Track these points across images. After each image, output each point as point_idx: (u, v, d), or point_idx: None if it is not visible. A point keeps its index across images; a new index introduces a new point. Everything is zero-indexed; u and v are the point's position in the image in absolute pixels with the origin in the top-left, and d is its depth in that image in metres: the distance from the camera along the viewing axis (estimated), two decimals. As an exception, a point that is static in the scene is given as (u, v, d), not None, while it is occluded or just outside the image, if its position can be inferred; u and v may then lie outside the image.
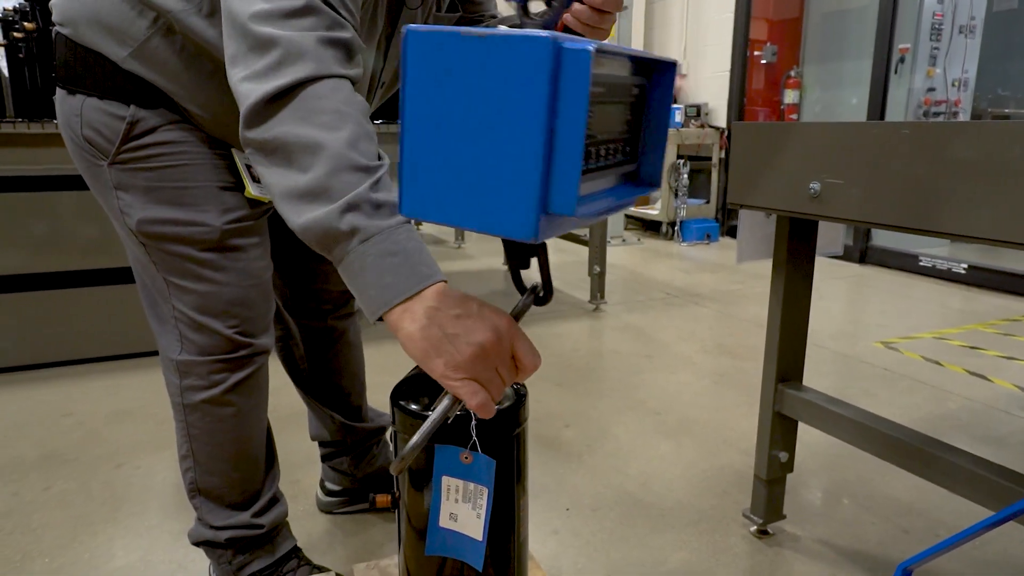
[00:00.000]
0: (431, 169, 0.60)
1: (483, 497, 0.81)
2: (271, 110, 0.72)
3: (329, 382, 1.57)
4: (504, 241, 0.71)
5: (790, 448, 1.56)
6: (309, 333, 1.52)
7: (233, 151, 1.12)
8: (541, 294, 0.79)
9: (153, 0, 0.98)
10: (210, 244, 1.10)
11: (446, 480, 0.82)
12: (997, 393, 2.54)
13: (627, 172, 0.74)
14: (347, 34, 0.78)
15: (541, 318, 3.46)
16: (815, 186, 1.22)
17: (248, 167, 1.13)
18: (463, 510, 0.82)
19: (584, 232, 3.72)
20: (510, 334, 0.70)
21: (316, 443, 1.68)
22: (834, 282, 4.38)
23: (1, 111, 4.13)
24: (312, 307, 1.49)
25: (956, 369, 2.78)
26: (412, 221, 0.71)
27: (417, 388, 0.89)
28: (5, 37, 2.95)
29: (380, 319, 0.71)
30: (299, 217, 0.71)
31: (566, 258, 4.80)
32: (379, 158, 0.75)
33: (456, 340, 0.67)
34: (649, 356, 2.93)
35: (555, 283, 4.28)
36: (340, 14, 0.79)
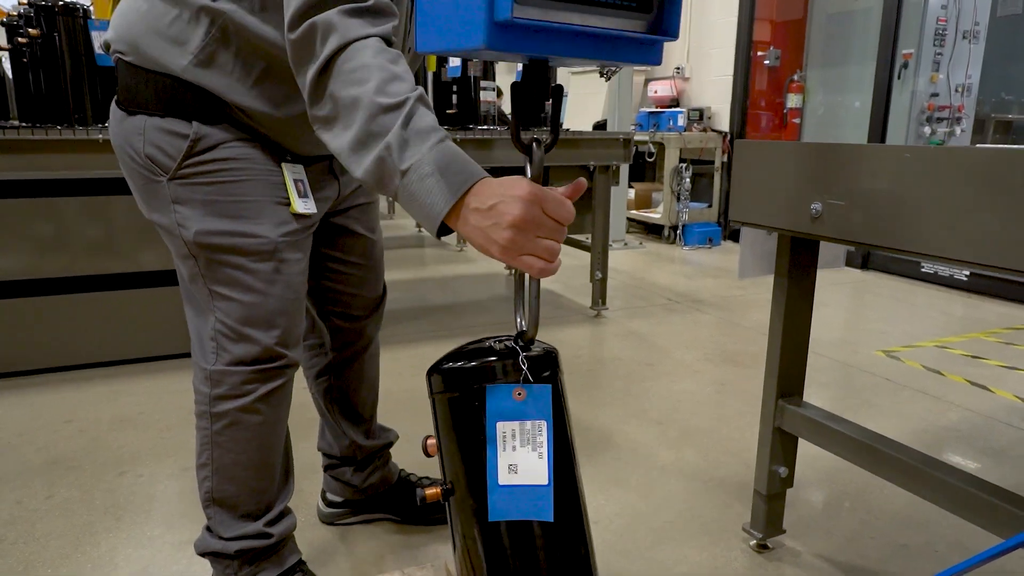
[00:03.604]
0: (431, 13, 0.76)
1: (542, 433, 0.82)
2: (321, 85, 0.88)
3: (349, 393, 1.60)
4: (514, 97, 0.84)
5: (790, 464, 1.57)
6: (340, 337, 1.54)
7: (283, 166, 1.18)
8: (548, 141, 0.88)
9: (207, 4, 1.04)
10: (263, 255, 1.16)
11: (501, 427, 0.82)
12: (998, 404, 2.54)
13: (638, 20, 0.79)
14: (369, 2, 0.90)
15: (543, 324, 3.46)
16: (817, 207, 1.23)
17: (296, 182, 1.19)
18: (523, 456, 0.82)
19: (586, 237, 3.73)
20: (536, 201, 0.78)
21: (319, 452, 1.69)
22: (835, 288, 4.39)
23: (5, 114, 4.15)
24: (345, 312, 1.52)
25: (957, 379, 2.78)
26: (446, 137, 0.84)
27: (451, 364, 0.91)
28: (10, 42, 2.96)
29: (440, 233, 0.83)
30: (358, 168, 0.85)
31: (568, 262, 4.80)
32: (412, 91, 0.86)
33: (495, 228, 0.78)
34: (651, 364, 2.94)
35: (556, 287, 4.29)
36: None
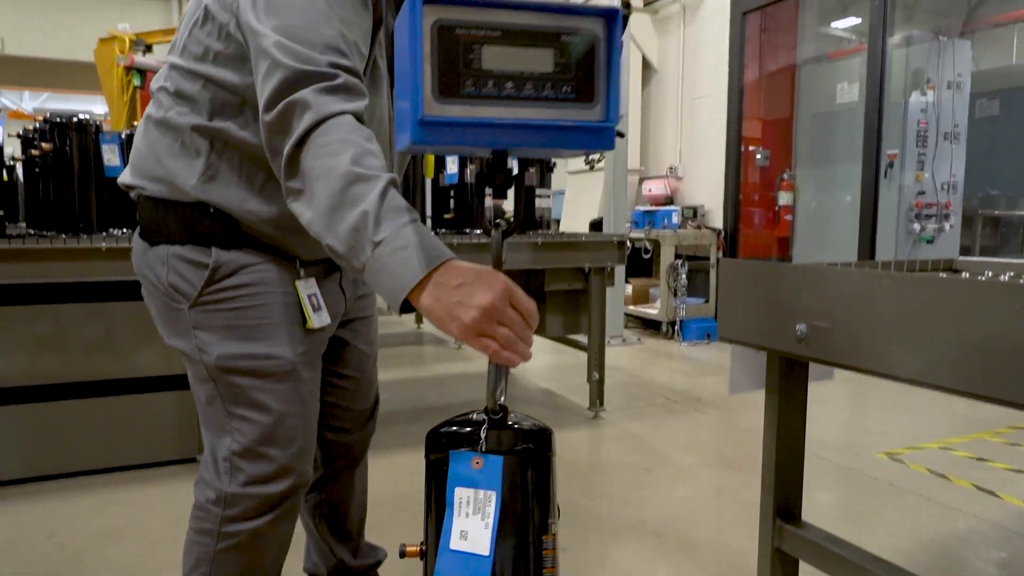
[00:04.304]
0: (397, 118, 0.88)
1: (491, 503, 0.85)
2: (296, 157, 0.92)
3: (338, 508, 1.57)
4: (477, 184, 0.94)
5: (792, 586, 1.51)
6: (331, 451, 1.52)
7: (297, 284, 1.21)
8: (506, 227, 0.94)
9: (201, 124, 1.11)
10: (282, 376, 1.18)
11: (459, 492, 0.87)
12: (1007, 511, 2.47)
13: (576, 110, 0.87)
14: (340, 80, 0.95)
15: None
16: (802, 328, 1.24)
17: (309, 297, 1.22)
18: (473, 524, 0.86)
19: (582, 336, 3.74)
20: (507, 293, 0.84)
21: (305, 574, 1.64)
22: (835, 385, 4.35)
23: (14, 217, 4.26)
24: (338, 426, 1.51)
25: (964, 484, 2.72)
26: (417, 219, 0.88)
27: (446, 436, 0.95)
28: (24, 153, 3.08)
29: (403, 309, 0.86)
30: (330, 235, 0.88)
31: (566, 360, 4.79)
32: (385, 171, 0.90)
33: (461, 306, 0.82)
34: (649, 468, 2.88)
35: (554, 387, 4.26)
36: (339, 65, 0.96)
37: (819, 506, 2.52)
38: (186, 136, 1.13)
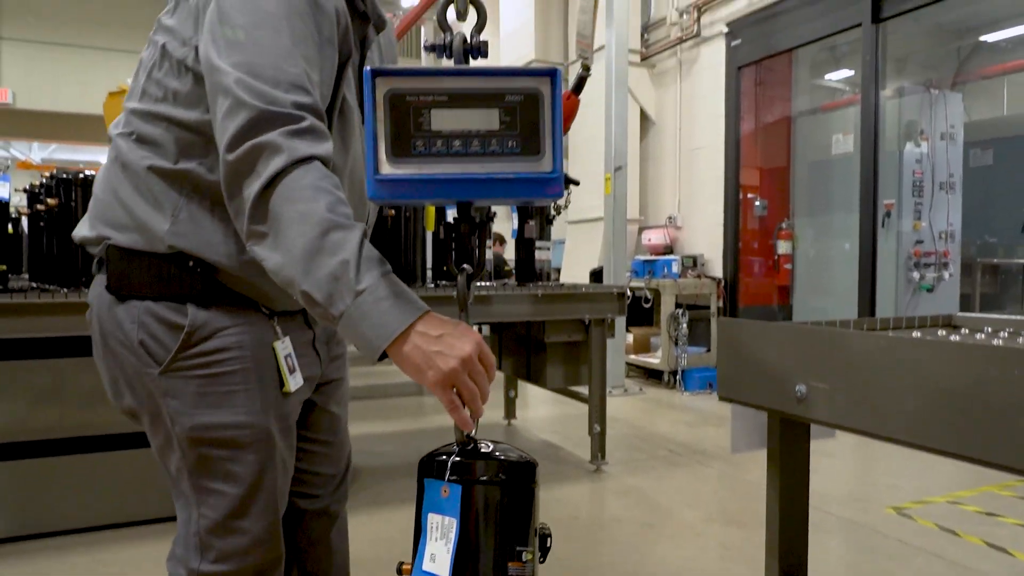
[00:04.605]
0: (368, 168, 0.90)
1: (452, 530, 0.90)
2: (264, 201, 0.91)
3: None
4: (448, 226, 0.99)
5: (800, 654, 1.47)
6: (305, 520, 1.46)
7: (275, 346, 1.15)
8: (470, 270, 1.00)
9: (170, 167, 1.06)
10: (258, 444, 1.11)
11: (431, 517, 0.92)
12: (1017, 569, 2.42)
13: (524, 163, 0.92)
14: (306, 122, 0.94)
15: (542, 480, 3.35)
16: (801, 388, 1.23)
17: (286, 359, 1.15)
18: (439, 548, 0.91)
19: (583, 388, 3.71)
20: (479, 347, 0.89)
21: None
22: (840, 436, 4.29)
23: (18, 268, 4.29)
24: (307, 492, 1.45)
25: (974, 540, 2.66)
26: (391, 271, 0.91)
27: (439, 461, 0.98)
28: (30, 207, 3.12)
29: (380, 357, 0.86)
30: (307, 281, 0.87)
31: (567, 411, 4.75)
32: (357, 221, 0.90)
33: (441, 355, 0.86)
34: (652, 525, 2.83)
35: (555, 439, 4.21)
36: (304, 105, 0.95)
37: (826, 566, 2.47)
38: (152, 182, 1.07)
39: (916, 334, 1.57)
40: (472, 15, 1.01)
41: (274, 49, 0.97)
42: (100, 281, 1.13)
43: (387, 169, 0.90)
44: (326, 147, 0.96)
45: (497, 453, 0.97)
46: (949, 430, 1.01)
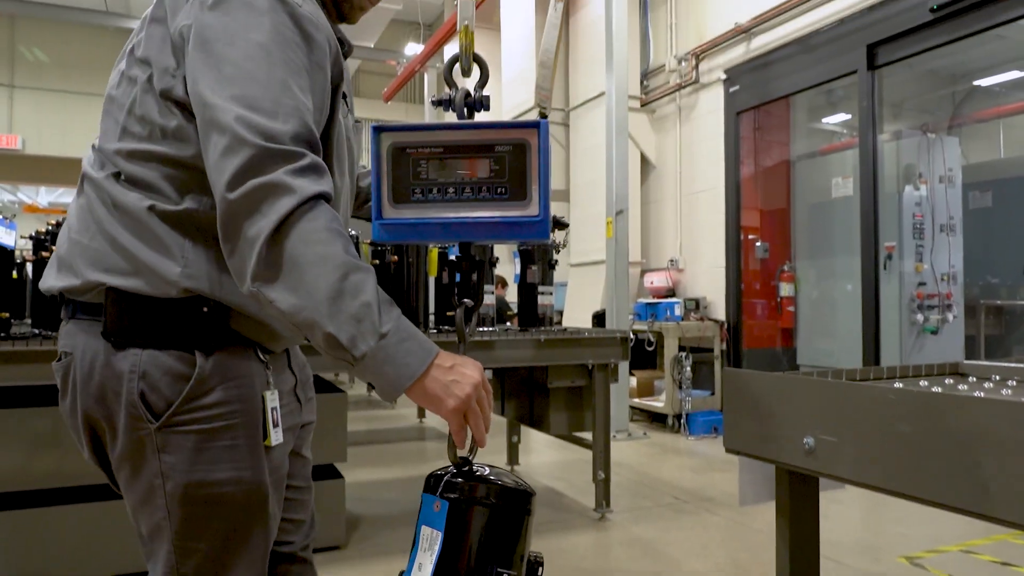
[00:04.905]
0: (373, 212, 1.01)
1: (436, 543, 0.95)
2: (276, 243, 0.90)
3: None
4: (451, 264, 1.16)
5: None
6: (275, 569, 1.41)
7: (265, 396, 1.10)
8: (470, 303, 1.07)
9: (171, 209, 1.02)
10: (252, 501, 1.07)
11: (424, 529, 0.98)
12: (1037, 623, 2.35)
13: (513, 207, 1.00)
14: (307, 159, 0.94)
15: (546, 528, 3.30)
16: (809, 441, 1.22)
17: (272, 411, 1.11)
18: (426, 559, 0.96)
19: (587, 433, 3.67)
20: (483, 371, 0.97)
21: None
22: (849, 482, 4.23)
23: (21, 314, 4.29)
24: (283, 539, 1.39)
25: (989, 592, 2.59)
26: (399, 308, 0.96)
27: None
28: (35, 254, 3.14)
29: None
30: (329, 323, 0.88)
31: (571, 456, 4.69)
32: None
33: (457, 383, 0.93)
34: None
35: (559, 485, 4.15)
36: (303, 139, 0.95)
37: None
38: (155, 224, 1.02)
39: (923, 383, 1.56)
40: (476, 72, 1.08)
41: (268, 81, 0.95)
42: (88, 328, 1.06)
43: (389, 213, 1.00)
44: (328, 182, 0.96)
45: (493, 477, 1.01)
46: (962, 486, 0.99)
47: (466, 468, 1.00)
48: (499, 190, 0.99)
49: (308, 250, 0.89)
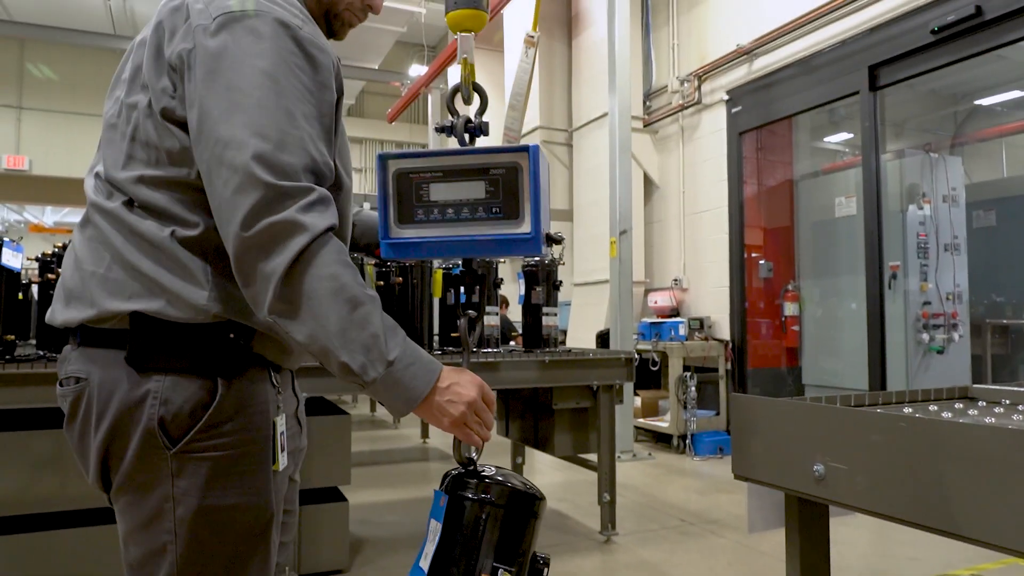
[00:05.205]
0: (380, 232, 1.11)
1: (437, 534, 1.03)
2: (292, 279, 0.94)
3: None
4: (456, 278, 1.34)
5: None
6: None
7: (276, 421, 1.11)
8: (473, 315, 1.15)
9: (191, 235, 1.03)
10: (259, 528, 1.08)
11: (432, 522, 1.05)
12: (1052, 651, 2.31)
13: (507, 225, 1.08)
14: (316, 194, 0.98)
15: (551, 551, 3.25)
16: (819, 468, 1.20)
17: (280, 435, 1.12)
18: (430, 548, 1.03)
19: (592, 455, 3.64)
20: (481, 387, 1.05)
21: None
22: (856, 504, 4.18)
23: (25, 334, 4.30)
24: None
25: (1001, 618, 2.56)
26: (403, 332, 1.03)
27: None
28: (41, 275, 3.15)
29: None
30: (343, 353, 0.94)
31: (576, 477, 4.65)
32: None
33: (452, 404, 1.01)
34: (666, 601, 2.73)
35: (564, 507, 4.11)
36: (314, 170, 1.00)
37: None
38: (177, 251, 1.03)
39: (933, 407, 1.54)
40: (476, 100, 1.18)
41: (276, 111, 0.96)
42: (105, 354, 1.05)
43: (395, 233, 1.10)
44: (334, 213, 1.00)
45: (500, 477, 1.08)
46: (975, 515, 0.98)
47: (471, 467, 1.08)
48: (494, 209, 1.07)
49: (320, 285, 0.95)
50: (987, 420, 1.36)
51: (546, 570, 1.06)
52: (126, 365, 1.03)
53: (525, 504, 1.06)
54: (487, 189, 1.07)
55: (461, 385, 1.02)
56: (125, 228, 1.05)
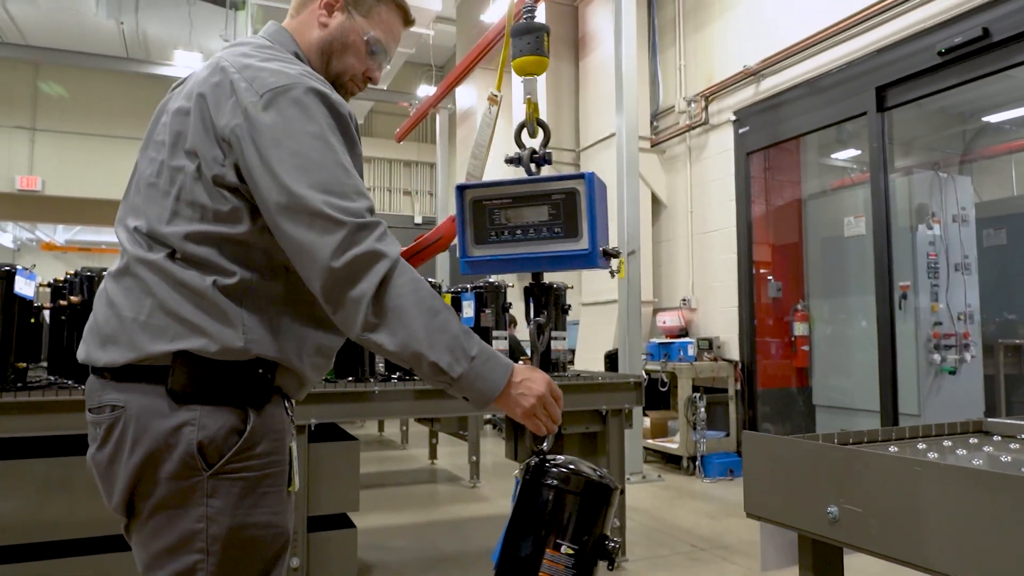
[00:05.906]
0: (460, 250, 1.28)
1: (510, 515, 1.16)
2: (380, 299, 1.09)
3: None
4: (526, 289, 1.34)
5: None
6: None
7: (292, 445, 1.25)
8: (542, 321, 1.30)
9: (235, 283, 1.15)
10: (279, 546, 1.20)
11: (512, 505, 1.18)
12: None
13: (567, 243, 1.23)
14: (381, 225, 1.13)
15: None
16: (833, 510, 1.19)
17: (295, 458, 1.25)
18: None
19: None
20: (549, 383, 1.20)
21: None
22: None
23: (36, 357, 4.32)
24: None
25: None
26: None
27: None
28: (53, 301, 3.17)
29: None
30: (433, 353, 1.10)
31: (585, 500, 4.62)
32: None
33: (524, 396, 1.17)
34: (678, 631, 2.69)
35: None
36: (371, 208, 1.14)
37: None
38: (218, 298, 1.14)
39: (947, 443, 1.53)
40: (540, 134, 1.35)
41: (333, 167, 1.13)
42: (145, 387, 1.14)
43: (473, 252, 1.26)
44: (396, 240, 1.16)
45: (571, 466, 1.18)
46: (991, 561, 0.97)
47: (540, 456, 1.19)
48: (556, 229, 1.23)
49: (404, 301, 1.10)
50: (1003, 458, 1.34)
51: (614, 550, 1.16)
52: (165, 396, 1.13)
53: (589, 490, 1.16)
54: (550, 212, 1.22)
55: (533, 381, 1.17)
56: (169, 278, 1.16)
